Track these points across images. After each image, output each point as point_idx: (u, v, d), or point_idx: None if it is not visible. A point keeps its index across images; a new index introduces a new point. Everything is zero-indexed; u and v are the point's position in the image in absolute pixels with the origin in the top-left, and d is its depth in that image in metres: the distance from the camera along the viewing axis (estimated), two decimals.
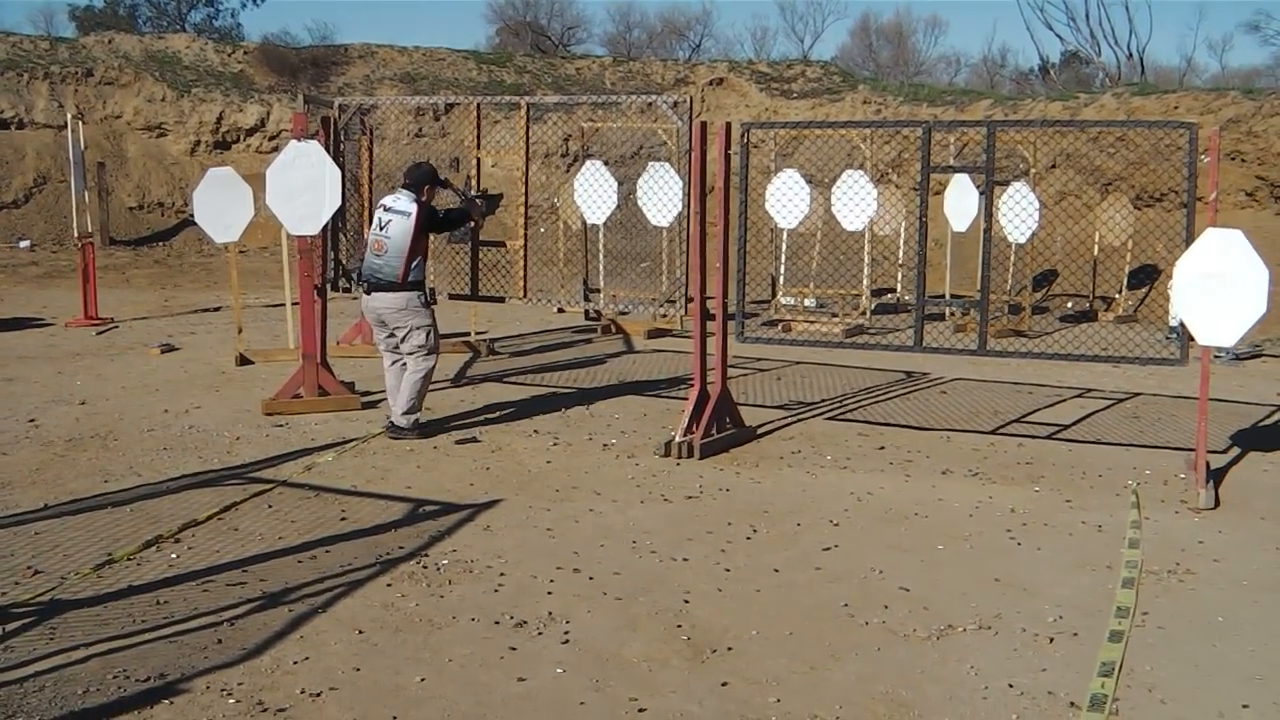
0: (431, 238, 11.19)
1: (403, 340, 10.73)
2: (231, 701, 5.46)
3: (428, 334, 10.73)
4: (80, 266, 17.87)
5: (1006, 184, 17.39)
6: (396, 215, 10.63)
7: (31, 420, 11.15)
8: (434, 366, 10.94)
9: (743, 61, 36.51)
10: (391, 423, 10.75)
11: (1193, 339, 9.18)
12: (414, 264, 10.62)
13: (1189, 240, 9.23)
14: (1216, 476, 9.55)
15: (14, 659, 5.85)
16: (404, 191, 10.84)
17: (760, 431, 11.09)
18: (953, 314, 18.33)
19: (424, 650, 6.11)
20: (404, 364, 10.81)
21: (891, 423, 11.56)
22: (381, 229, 10.64)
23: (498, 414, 11.65)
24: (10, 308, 19.22)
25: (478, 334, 16.15)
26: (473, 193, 11.39)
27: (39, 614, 6.45)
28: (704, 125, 10.47)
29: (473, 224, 11.72)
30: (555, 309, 18.97)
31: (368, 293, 10.72)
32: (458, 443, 10.58)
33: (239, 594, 6.81)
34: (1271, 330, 17.98)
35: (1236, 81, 38.07)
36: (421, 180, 10.92)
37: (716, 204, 10.51)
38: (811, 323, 18.01)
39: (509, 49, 44.51)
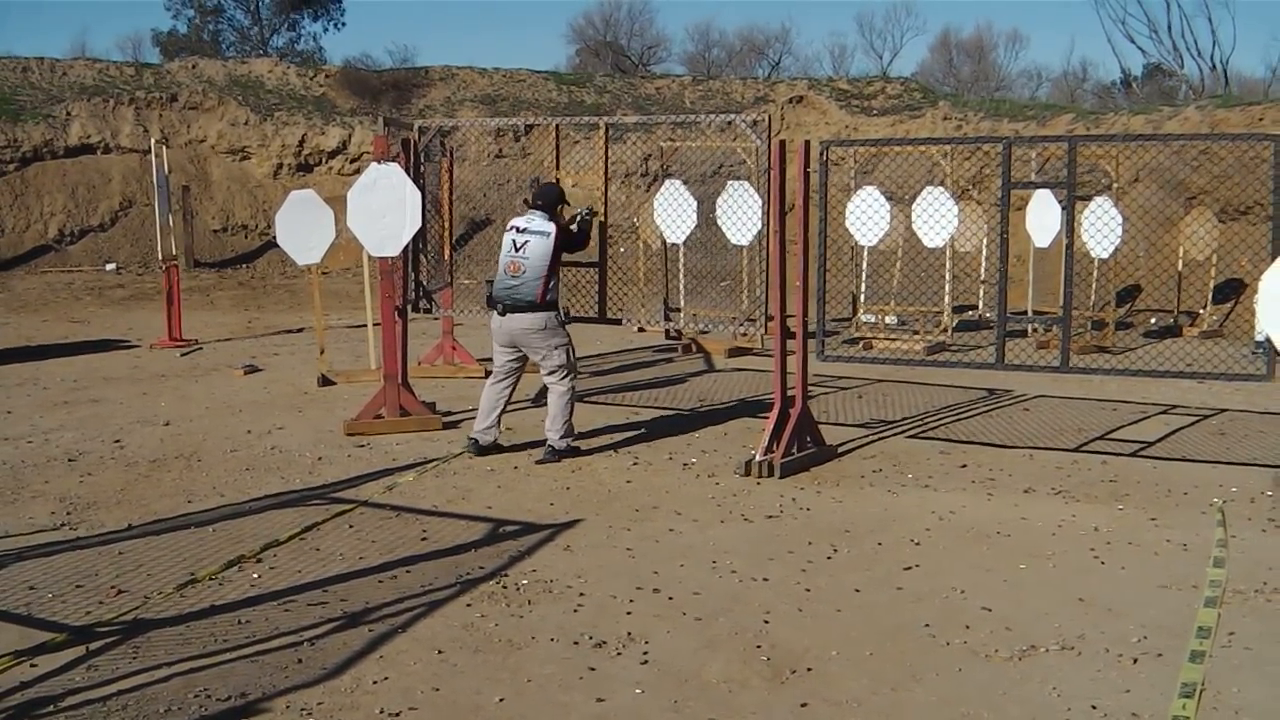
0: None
1: (543, 360, 10.73)
2: None
3: (567, 353, 10.74)
4: (165, 289, 18.07)
5: (1089, 199, 17.27)
6: (534, 235, 10.59)
7: (117, 441, 11.28)
8: (574, 384, 10.94)
9: (822, 79, 36.41)
10: (551, 448, 10.73)
11: (1278, 354, 9.07)
12: (551, 284, 10.59)
13: (1274, 254, 9.13)
14: None
15: (97, 678, 5.92)
16: (535, 212, 10.78)
17: (841, 450, 11.05)
18: (1035, 330, 18.19)
19: (503, 670, 6.13)
20: (510, 388, 11.01)
21: (973, 440, 11.49)
22: (517, 250, 10.59)
23: (577, 433, 11.64)
24: (96, 330, 19.48)
25: None
26: (583, 210, 11.35)
27: (123, 633, 6.53)
28: (783, 144, 10.46)
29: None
30: (636, 328, 18.97)
31: (503, 314, 10.66)
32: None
33: (320, 614, 6.86)
34: None
35: None
36: (554, 200, 10.88)
37: (796, 222, 10.50)
38: (892, 340, 17.94)
39: (589, 69, 44.66)
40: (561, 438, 10.69)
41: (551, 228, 10.59)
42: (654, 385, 14.83)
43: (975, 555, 8.10)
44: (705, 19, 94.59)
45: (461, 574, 7.57)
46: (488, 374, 14.68)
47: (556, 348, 10.65)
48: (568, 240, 10.81)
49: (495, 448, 10.91)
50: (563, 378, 10.71)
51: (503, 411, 10.99)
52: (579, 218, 11.11)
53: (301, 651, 6.30)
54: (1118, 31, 59.45)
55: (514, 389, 11.03)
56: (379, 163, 11.74)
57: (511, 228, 10.77)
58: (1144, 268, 20.39)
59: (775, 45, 59.15)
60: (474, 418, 11.15)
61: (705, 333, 17.71)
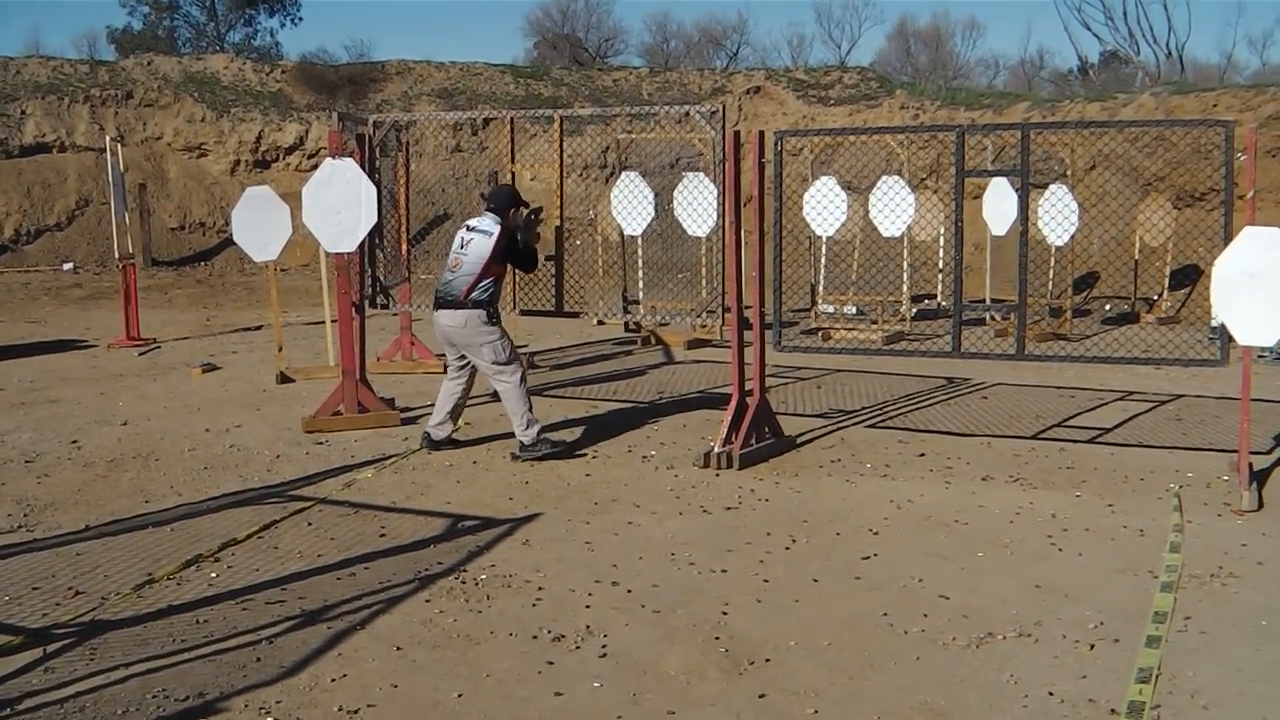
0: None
1: (476, 360, 10.61)
2: None
3: (494, 348, 10.48)
4: (122, 287, 17.97)
5: (1045, 187, 17.32)
6: (478, 235, 10.50)
7: (74, 441, 11.21)
8: (521, 375, 10.64)
9: (779, 69, 36.44)
10: (521, 443, 10.52)
11: (1233, 339, 9.11)
12: (481, 284, 10.42)
13: (1227, 239, 9.16)
14: (1260, 478, 9.47)
15: (54, 680, 5.88)
16: (489, 214, 10.65)
17: (800, 440, 11.07)
18: (993, 319, 18.28)
19: (462, 666, 6.12)
20: (464, 384, 10.90)
21: (932, 429, 11.53)
22: (462, 247, 10.52)
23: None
24: (54, 329, 19.37)
25: (517, 347, 16.12)
26: (529, 211, 11.10)
27: (80, 634, 6.49)
28: (737, 134, 10.48)
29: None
30: (595, 321, 18.95)
31: (435, 309, 10.64)
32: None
33: (278, 612, 6.82)
34: None
35: (1278, 78, 37.81)
36: (505, 203, 10.70)
37: (752, 213, 10.51)
38: (851, 330, 17.97)
39: (546, 62, 44.60)
40: (526, 429, 10.47)
41: (496, 230, 10.48)
42: (613, 378, 14.82)
43: (933, 543, 8.12)
44: (663, 11, 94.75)
45: (420, 570, 7.55)
46: (446, 369, 14.76)
47: (483, 345, 10.48)
48: (510, 251, 10.66)
49: (450, 443, 10.87)
50: (502, 373, 10.55)
51: (457, 407, 10.89)
52: (525, 218, 10.94)
53: (260, 650, 6.27)
54: (1074, 19, 59.87)
55: (469, 384, 10.91)
56: (334, 158, 11.70)
57: (464, 225, 10.75)
58: (1100, 255, 20.46)
59: (733, 36, 59.24)
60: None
61: (664, 325, 17.74)
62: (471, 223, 10.68)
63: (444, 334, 10.63)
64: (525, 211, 10.91)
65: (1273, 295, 8.69)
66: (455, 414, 10.90)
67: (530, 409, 10.58)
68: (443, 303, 10.49)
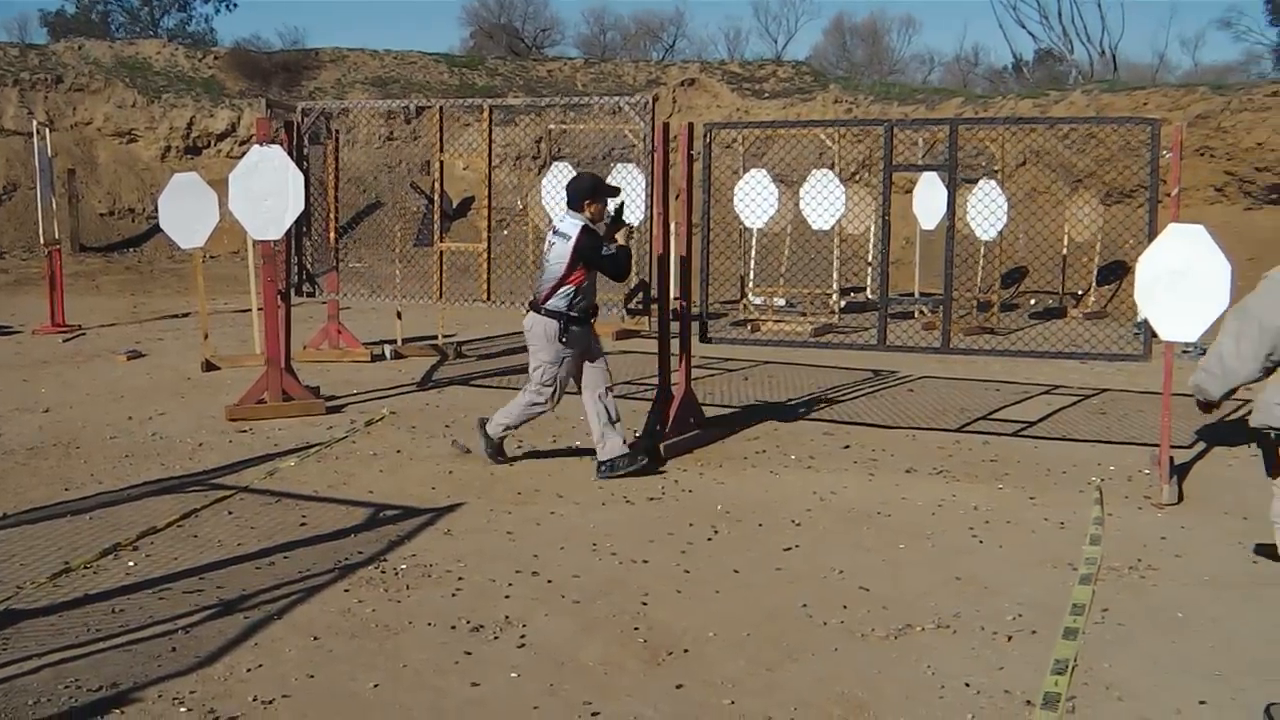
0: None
1: (530, 359, 9.83)
2: (183, 710, 5.42)
3: (550, 370, 9.63)
4: (47, 274, 17.81)
5: (975, 182, 17.42)
6: (559, 239, 9.61)
7: None
8: (542, 408, 9.79)
9: (714, 62, 36.53)
10: (485, 430, 9.92)
11: (1156, 335, 9.18)
12: (561, 290, 9.51)
13: (1152, 236, 9.23)
14: (1180, 472, 9.56)
15: None
16: (570, 212, 9.75)
17: (725, 432, 11.05)
18: (921, 312, 18.34)
19: (379, 656, 6.07)
20: (597, 384, 9.83)
21: (857, 421, 11.55)
22: (546, 252, 9.78)
23: (463, 417, 11.59)
24: None
25: (446, 337, 16.10)
26: (612, 210, 10.15)
27: None
28: (666, 126, 10.48)
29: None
30: (524, 311, 18.86)
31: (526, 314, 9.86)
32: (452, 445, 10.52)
33: (195, 601, 6.76)
34: None
35: (1209, 78, 38.18)
36: (579, 195, 9.72)
37: (682, 205, 10.50)
38: (780, 322, 17.99)
39: (482, 52, 44.46)
40: (493, 431, 9.89)
41: (575, 233, 9.50)
42: None
43: (855, 535, 8.15)
44: (600, 3, 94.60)
45: (340, 559, 7.50)
46: (374, 358, 14.67)
47: (542, 360, 9.65)
48: (591, 255, 9.57)
49: (652, 452, 10.14)
50: (534, 391, 9.74)
51: (616, 417, 9.81)
52: (608, 216, 9.94)
53: (176, 640, 6.20)
54: (1010, 17, 60.19)
55: (606, 388, 9.86)
56: (261, 145, 11.61)
57: (552, 228, 9.99)
58: (1029, 250, 20.57)
59: (670, 29, 59.31)
60: (359, 401, 11.04)
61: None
62: (556, 224, 9.92)
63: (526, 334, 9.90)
64: (608, 206, 9.94)
65: (1195, 291, 8.77)
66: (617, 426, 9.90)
67: (514, 429, 10.01)
68: (531, 305, 9.77)
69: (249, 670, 5.86)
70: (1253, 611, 6.76)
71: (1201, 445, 10.73)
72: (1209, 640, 6.34)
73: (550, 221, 17.56)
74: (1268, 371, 6.13)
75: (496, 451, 9.99)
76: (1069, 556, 7.68)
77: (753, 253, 19.72)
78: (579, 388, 9.80)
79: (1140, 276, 8.99)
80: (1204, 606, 6.83)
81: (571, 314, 9.56)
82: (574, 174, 10.46)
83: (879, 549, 7.85)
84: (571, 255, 9.44)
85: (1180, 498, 9.03)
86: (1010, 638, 6.36)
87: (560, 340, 9.56)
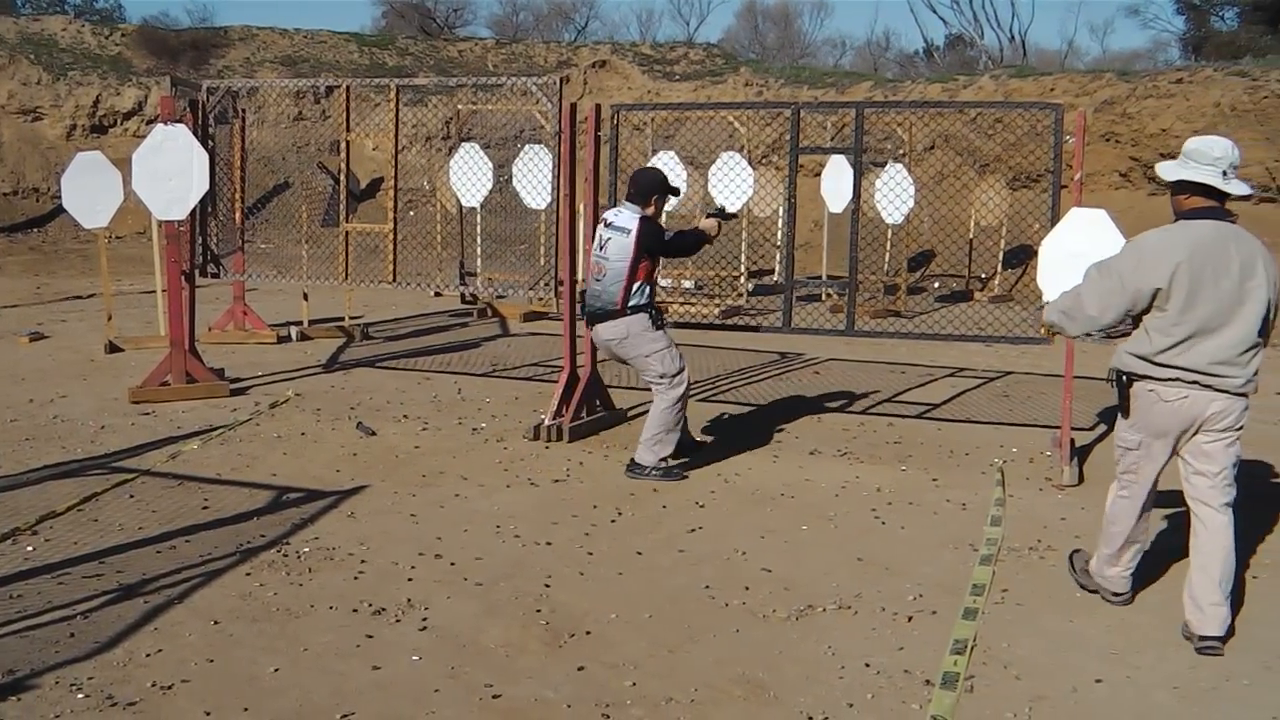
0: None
1: (640, 370, 9.44)
2: (81, 696, 5.35)
3: (663, 358, 9.22)
4: None
5: (883, 165, 17.49)
6: (616, 233, 9.14)
7: None
8: (684, 393, 9.32)
9: (626, 44, 36.49)
10: (633, 460, 9.25)
11: None
12: (635, 287, 9.14)
13: (1055, 220, 9.30)
14: (1081, 453, 9.65)
15: None
16: (627, 204, 9.29)
17: (631, 414, 11.06)
18: (829, 295, 18.41)
19: (280, 640, 6.03)
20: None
21: (762, 403, 11.60)
22: (601, 249, 9.23)
23: (369, 399, 11.54)
24: None
25: (353, 318, 16.01)
26: (715, 208, 10.28)
27: None
28: (573, 107, 10.45)
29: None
30: (432, 293, 18.85)
31: (589, 325, 9.49)
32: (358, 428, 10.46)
33: (95, 586, 6.68)
34: None
35: (1116, 65, 38.55)
36: (648, 190, 9.25)
37: (589, 187, 10.49)
38: (688, 304, 18.00)
39: (393, 31, 44.21)
40: (654, 447, 9.21)
41: (635, 224, 9.09)
42: (447, 350, 14.71)
43: (758, 517, 8.18)
44: None
45: (242, 543, 7.44)
46: (279, 339, 14.56)
47: (649, 355, 9.22)
48: (656, 242, 9.30)
49: (693, 443, 9.91)
50: (666, 388, 9.26)
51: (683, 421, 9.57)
52: (711, 215, 9.76)
53: (74, 625, 6.13)
54: (921, 2, 60.49)
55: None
56: (165, 124, 11.49)
57: (601, 220, 9.47)
58: (936, 233, 20.70)
59: (582, 10, 59.16)
60: (264, 383, 10.96)
61: (502, 297, 17.66)
62: (608, 217, 9.37)
63: (606, 349, 9.50)
64: (715, 210, 9.88)
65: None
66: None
67: (669, 435, 9.28)
68: (597, 315, 9.31)
69: (148, 655, 5.79)
70: (1148, 590, 6.82)
71: (1102, 428, 10.83)
72: (1106, 619, 6.43)
73: (459, 201, 17.58)
74: (1128, 323, 6.49)
75: (663, 473, 9.22)
76: (970, 537, 7.75)
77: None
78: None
79: (1043, 260, 9.04)
80: None
81: (652, 305, 9.33)
82: (644, 169, 9.77)
83: (782, 530, 7.88)
84: (635, 247, 9.04)
85: (1081, 479, 9.12)
86: (910, 618, 6.40)
87: (657, 327, 9.28)
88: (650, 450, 9.16)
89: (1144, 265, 6.25)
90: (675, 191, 9.57)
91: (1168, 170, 6.47)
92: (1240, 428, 6.37)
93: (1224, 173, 6.23)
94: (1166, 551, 7.23)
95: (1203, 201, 6.31)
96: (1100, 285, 6.47)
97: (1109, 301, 6.42)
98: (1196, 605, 6.21)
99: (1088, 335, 6.83)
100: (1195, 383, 6.23)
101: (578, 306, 9.71)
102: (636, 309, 9.15)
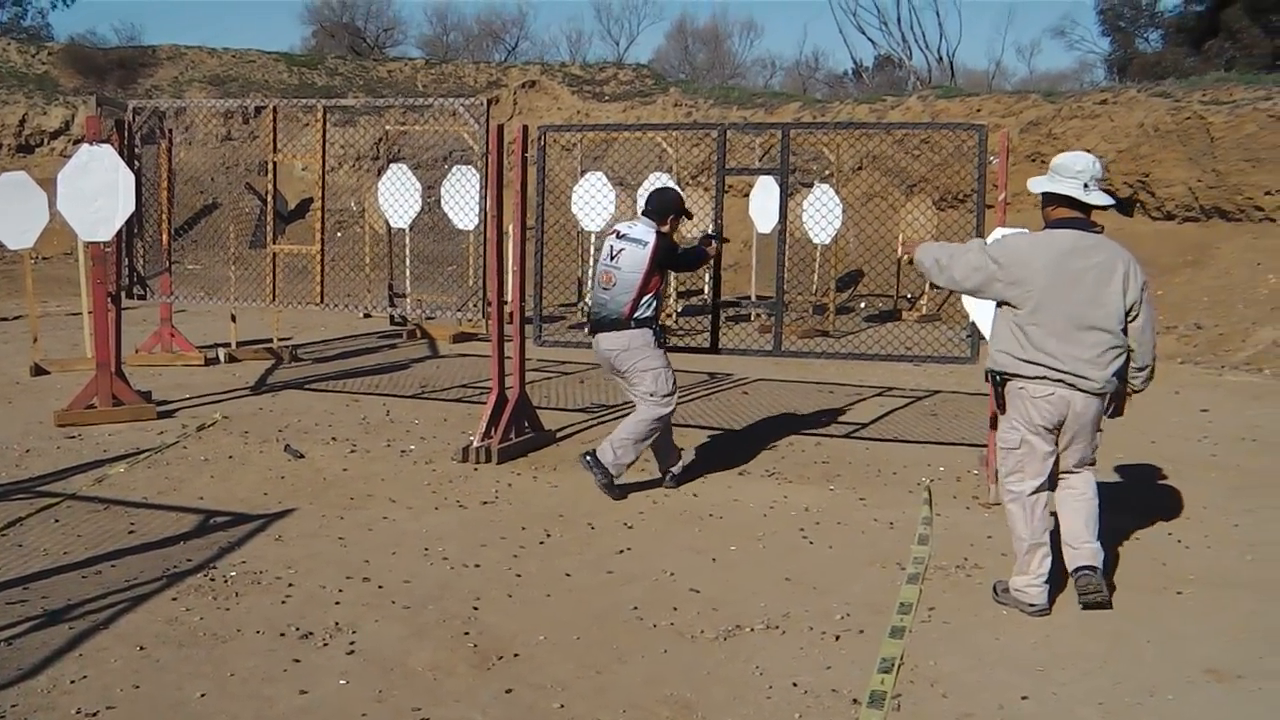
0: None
1: (630, 385, 9.39)
2: None
3: (657, 377, 9.26)
4: None
5: (811, 186, 17.58)
6: (630, 244, 9.22)
7: None
8: (666, 415, 9.36)
9: (555, 64, 36.52)
10: (593, 453, 9.28)
11: (984, 337, 9.31)
12: (643, 300, 9.19)
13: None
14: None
15: None
16: (643, 219, 9.40)
17: (560, 435, 11.10)
18: (758, 315, 18.48)
19: (206, 665, 5.99)
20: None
21: (691, 424, 11.61)
22: (611, 258, 9.27)
23: (297, 420, 11.50)
24: None
25: (281, 340, 15.95)
26: (711, 231, 10.37)
27: None
28: (501, 128, 10.46)
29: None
30: (362, 314, 18.80)
31: (592, 333, 9.51)
32: (287, 451, 10.40)
33: (19, 612, 6.60)
34: None
35: (1043, 85, 38.91)
36: (666, 209, 9.44)
37: (516, 207, 10.50)
38: None
39: (323, 51, 44.07)
40: (619, 459, 9.25)
41: (651, 238, 9.20)
42: (376, 371, 14.71)
43: (687, 537, 8.20)
44: (443, 3, 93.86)
45: (169, 567, 7.38)
46: (207, 361, 14.48)
47: (644, 370, 9.26)
48: (669, 258, 9.54)
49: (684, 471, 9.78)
50: (651, 403, 9.29)
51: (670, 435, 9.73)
52: (705, 237, 10.00)
53: None
54: (850, 23, 60.78)
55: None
56: (91, 144, 11.42)
57: (613, 232, 9.50)
58: (864, 253, 20.80)
59: (512, 31, 59.10)
60: (191, 405, 10.89)
61: (431, 319, 17.64)
62: (621, 229, 9.42)
63: (605, 359, 9.45)
64: (709, 232, 10.13)
65: None
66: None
67: (634, 446, 9.29)
68: (602, 324, 9.35)
69: (73, 682, 5.74)
70: (1073, 607, 6.89)
71: None
72: (1032, 636, 6.47)
73: (388, 223, 17.55)
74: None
75: (608, 475, 9.26)
76: (897, 556, 7.79)
77: (591, 255, 19.74)
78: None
79: None
80: None
81: (656, 321, 9.37)
82: (662, 186, 10.22)
83: (710, 550, 7.90)
84: (650, 261, 9.13)
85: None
86: (838, 637, 6.42)
87: (658, 344, 9.34)
88: (612, 450, 9.21)
89: (1009, 262, 6.95)
90: (689, 215, 9.82)
91: (1035, 184, 7.17)
92: (1099, 425, 7.07)
93: (1085, 185, 6.90)
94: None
95: (1067, 212, 6.97)
96: (973, 260, 7.12)
97: (973, 277, 7.13)
98: (1071, 546, 7.05)
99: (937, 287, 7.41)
100: (1060, 381, 6.82)
101: (587, 321, 9.58)
102: (641, 322, 9.22)
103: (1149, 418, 12.36)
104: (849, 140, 20.24)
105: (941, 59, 50.49)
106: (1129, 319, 6.92)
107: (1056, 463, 7.11)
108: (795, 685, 5.79)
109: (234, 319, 15.69)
